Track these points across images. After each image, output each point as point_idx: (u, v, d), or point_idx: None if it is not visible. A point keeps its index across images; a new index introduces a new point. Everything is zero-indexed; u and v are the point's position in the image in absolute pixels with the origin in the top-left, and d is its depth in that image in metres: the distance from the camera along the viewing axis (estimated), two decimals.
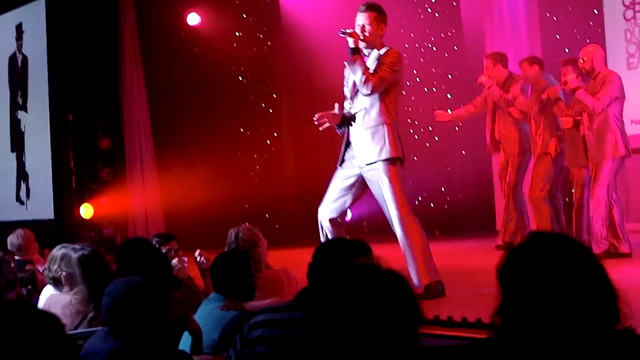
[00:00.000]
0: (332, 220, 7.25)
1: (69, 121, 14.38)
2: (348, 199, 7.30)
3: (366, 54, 7.23)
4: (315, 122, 7.34)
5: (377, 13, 7.21)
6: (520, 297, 2.43)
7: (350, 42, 7.12)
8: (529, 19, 11.78)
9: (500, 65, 10.29)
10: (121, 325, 3.91)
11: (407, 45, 14.24)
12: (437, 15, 14.26)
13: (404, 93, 13.16)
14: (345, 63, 7.19)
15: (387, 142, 7.06)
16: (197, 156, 14.58)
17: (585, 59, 8.92)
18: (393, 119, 7.15)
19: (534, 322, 2.39)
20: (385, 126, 7.09)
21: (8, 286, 6.97)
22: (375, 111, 7.13)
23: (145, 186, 14.61)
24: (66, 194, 14.49)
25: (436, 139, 14.11)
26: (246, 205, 14.86)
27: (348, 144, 7.32)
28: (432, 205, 14.24)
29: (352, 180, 7.26)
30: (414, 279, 7.00)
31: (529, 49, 11.53)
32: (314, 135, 14.03)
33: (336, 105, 7.30)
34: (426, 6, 14.28)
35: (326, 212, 7.28)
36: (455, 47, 13.92)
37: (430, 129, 14.06)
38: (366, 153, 7.14)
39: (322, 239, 7.19)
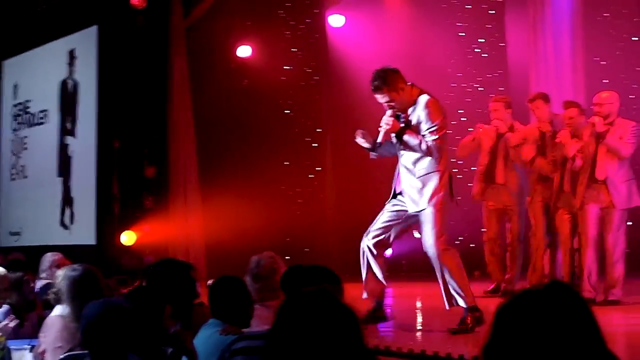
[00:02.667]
0: (376, 245, 7.27)
1: (115, 148, 14.52)
2: (393, 233, 7.32)
3: (408, 111, 7.16)
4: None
5: (386, 86, 7.08)
6: (511, 344, 2.34)
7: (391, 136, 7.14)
8: (573, 61, 11.68)
9: (511, 110, 10.40)
10: (97, 347, 3.86)
11: (454, 85, 14.21)
12: (484, 55, 14.23)
13: (450, 132, 13.20)
14: (399, 153, 7.21)
15: (439, 190, 7.05)
16: (241, 188, 14.60)
17: (602, 104, 8.99)
18: (445, 163, 7.12)
19: None
20: (437, 174, 7.07)
21: (28, 307, 7.03)
22: (428, 159, 7.07)
23: (188, 216, 14.61)
24: (109, 221, 14.56)
25: None
26: (287, 239, 14.85)
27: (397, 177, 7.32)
28: (472, 245, 14.09)
29: (401, 217, 7.26)
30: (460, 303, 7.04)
31: (573, 91, 11.42)
32: (357, 170, 14.01)
33: None
34: (474, 46, 14.27)
35: (370, 238, 7.29)
36: (501, 87, 13.82)
37: (473, 169, 13.94)
38: (417, 201, 7.11)
39: (363, 267, 7.32)
